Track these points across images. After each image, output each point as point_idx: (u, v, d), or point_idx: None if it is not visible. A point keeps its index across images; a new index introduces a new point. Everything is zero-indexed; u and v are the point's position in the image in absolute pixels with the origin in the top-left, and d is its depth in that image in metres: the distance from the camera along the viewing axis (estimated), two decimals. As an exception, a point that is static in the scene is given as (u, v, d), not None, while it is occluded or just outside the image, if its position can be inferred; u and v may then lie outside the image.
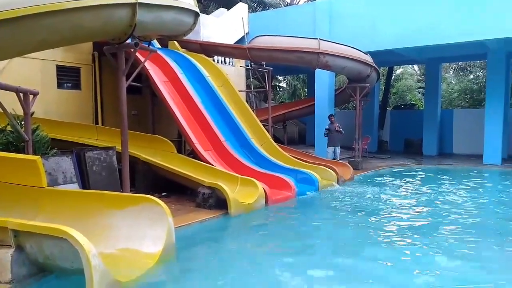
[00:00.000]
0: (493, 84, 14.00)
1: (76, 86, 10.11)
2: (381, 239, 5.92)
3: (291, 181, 8.50)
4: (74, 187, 6.58)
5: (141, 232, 4.91)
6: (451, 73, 28.87)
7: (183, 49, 11.45)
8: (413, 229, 6.42)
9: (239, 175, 7.92)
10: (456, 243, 5.67)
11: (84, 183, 6.82)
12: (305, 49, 11.10)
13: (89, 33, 5.81)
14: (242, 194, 7.43)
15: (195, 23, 7.26)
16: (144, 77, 9.59)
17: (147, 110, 10.70)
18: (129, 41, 6.28)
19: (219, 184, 7.09)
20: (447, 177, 11.66)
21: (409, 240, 5.87)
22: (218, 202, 7.14)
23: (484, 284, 4.37)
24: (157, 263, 4.51)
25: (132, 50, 6.33)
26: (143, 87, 10.26)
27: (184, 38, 8.74)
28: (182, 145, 10.95)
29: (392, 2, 13.41)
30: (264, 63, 12.50)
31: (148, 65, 9.05)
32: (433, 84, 17.86)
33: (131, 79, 6.62)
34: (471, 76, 26.79)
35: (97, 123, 9.98)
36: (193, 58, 10.67)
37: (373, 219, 7.02)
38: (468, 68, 26.37)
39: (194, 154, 8.67)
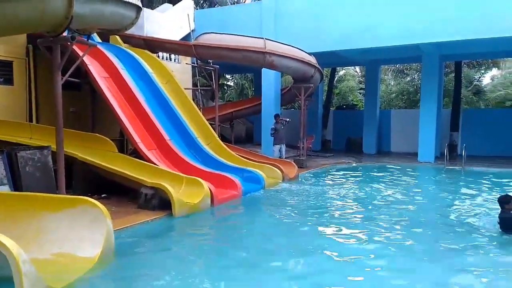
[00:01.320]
0: (427, 86, 14.90)
1: (8, 81, 9.39)
2: (324, 235, 6.07)
3: (237, 180, 8.49)
4: (5, 189, 6.16)
5: (77, 235, 4.69)
6: (390, 75, 30.39)
7: (125, 44, 11.05)
8: (354, 223, 6.66)
9: (184, 175, 7.78)
10: (392, 234, 6.01)
11: (16, 185, 6.36)
12: (251, 48, 11.15)
13: (23, 24, 5.44)
14: (187, 194, 7.30)
15: (137, 17, 7.03)
16: (83, 73, 9.12)
17: (87, 107, 10.20)
18: (66, 34, 5.95)
19: (162, 184, 6.92)
20: (385, 174, 12.26)
21: (349, 233, 6.09)
22: (162, 203, 6.96)
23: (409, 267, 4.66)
24: (95, 268, 4.32)
25: (69, 43, 5.99)
26: (82, 83, 9.76)
27: (126, 32, 8.45)
28: (125, 145, 10.56)
29: (335, 4, 13.82)
30: (210, 61, 12.41)
31: (88, 60, 8.62)
32: (373, 86, 18.71)
33: (68, 74, 6.28)
34: (408, 78, 28.37)
35: (31, 120, 9.35)
36: (136, 54, 10.32)
37: (316, 215, 7.17)
38: (405, 71, 27.88)
39: (137, 153, 8.39)
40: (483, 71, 27.30)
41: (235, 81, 30.73)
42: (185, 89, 11.25)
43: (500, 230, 5.93)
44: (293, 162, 11.75)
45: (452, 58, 18.37)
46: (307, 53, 12.41)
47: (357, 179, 11.52)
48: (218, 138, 10.54)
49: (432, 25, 12.28)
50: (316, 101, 19.29)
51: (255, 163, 10.45)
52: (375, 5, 13.11)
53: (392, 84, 31.14)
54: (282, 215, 7.35)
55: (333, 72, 24.08)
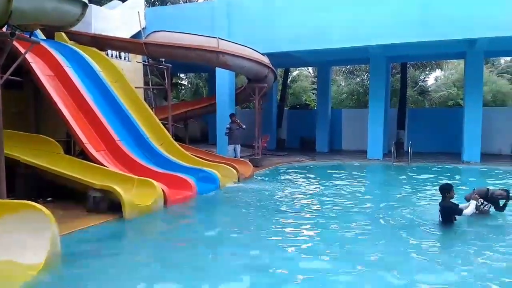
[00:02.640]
0: (375, 86, 15.51)
1: None
2: (279, 232, 6.12)
3: (192, 180, 8.39)
4: None
5: (20, 242, 4.46)
6: (341, 76, 31.29)
7: (71, 42, 10.58)
8: (307, 219, 6.80)
9: (135, 176, 7.57)
10: (343, 227, 6.25)
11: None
12: (204, 47, 11.06)
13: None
14: (139, 196, 7.11)
15: (83, 13, 6.73)
16: (26, 71, 8.62)
17: (30, 107, 9.66)
18: (5, 30, 5.60)
19: (111, 186, 6.69)
20: (336, 171, 12.63)
21: (303, 228, 6.21)
22: (112, 205, 6.74)
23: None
24: (40, 275, 4.11)
25: (8, 39, 5.64)
26: (24, 82, 9.22)
27: (72, 29, 8.10)
28: (72, 146, 10.10)
29: (287, 6, 14.04)
30: (162, 59, 12.17)
31: (30, 57, 8.17)
32: (324, 86, 19.20)
33: (8, 72, 5.92)
34: (358, 79, 29.33)
35: (-33, 121, 8.71)
36: (83, 52, 9.92)
37: (271, 213, 7.25)
38: (355, 72, 28.81)
39: (84, 155, 8.06)
40: (427, 72, 28.78)
41: (189, 80, 30.38)
42: (136, 88, 10.96)
43: (440, 219, 6.28)
44: (248, 162, 11.81)
45: (398, 59, 19.26)
46: (261, 53, 12.51)
47: (310, 176, 11.78)
48: (171, 138, 10.37)
49: (379, 28, 12.80)
50: (271, 101, 19.50)
51: (210, 163, 10.38)
52: (326, 7, 13.46)
53: (343, 84, 32.08)
54: (236, 214, 7.36)
55: (287, 73, 24.45)
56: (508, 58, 30.81)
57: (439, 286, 4.24)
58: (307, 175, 12.03)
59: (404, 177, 11.70)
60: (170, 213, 7.27)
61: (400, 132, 18.68)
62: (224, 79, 14.48)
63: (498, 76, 28.69)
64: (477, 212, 6.58)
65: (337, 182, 10.65)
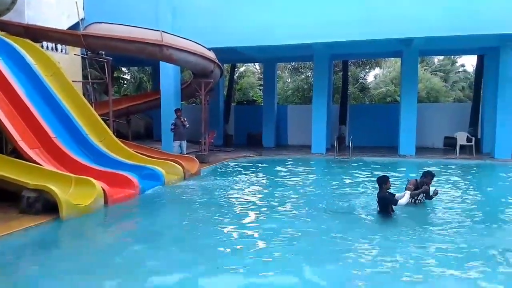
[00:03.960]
0: (319, 83, 15.92)
1: None
2: (223, 229, 6.11)
3: (134, 178, 8.13)
4: None
5: None
6: (286, 72, 31.85)
7: (2, 32, 9.81)
8: (254, 215, 6.85)
9: (73, 175, 7.20)
10: (292, 220, 6.39)
11: None
12: (147, 41, 10.74)
13: None
14: (78, 195, 6.78)
15: (13, 2, 6.30)
16: None
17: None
18: None
19: (46, 186, 6.33)
20: (282, 166, 12.86)
21: (249, 225, 6.26)
22: (48, 206, 6.37)
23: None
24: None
25: None
26: None
27: (2, 19, 7.52)
28: (3, 143, 9.41)
29: (233, 1, 13.98)
30: (103, 52, 11.65)
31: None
32: (270, 82, 19.44)
33: None
34: (303, 76, 30.00)
35: None
36: (15, 43, 9.24)
37: (217, 210, 7.21)
38: (300, 69, 29.45)
39: (17, 153, 7.54)
40: (367, 70, 30.09)
41: (132, 74, 29.42)
42: (74, 82, 10.40)
43: (378, 209, 6.62)
44: (194, 158, 11.66)
45: (340, 57, 19.94)
46: (206, 48, 12.38)
47: (257, 171, 11.87)
48: (112, 135, 9.98)
49: (322, 26, 13.12)
50: (218, 96, 19.40)
51: (154, 159, 10.13)
52: (272, 4, 13.58)
53: (289, 81, 32.67)
54: (179, 213, 7.27)
55: (233, 68, 24.45)
56: (441, 57, 33.05)
57: (375, 271, 4.46)
58: (254, 170, 12.13)
59: (345, 170, 12.16)
60: (111, 213, 6.99)
61: (342, 127, 19.37)
62: (168, 74, 14.16)
63: (431, 74, 30.64)
64: (413, 202, 7.01)
65: (282, 177, 10.87)
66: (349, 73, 23.20)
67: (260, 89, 30.68)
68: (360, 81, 29.32)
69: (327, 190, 9.24)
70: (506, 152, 13.82)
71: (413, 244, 5.34)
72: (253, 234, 5.86)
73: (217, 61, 12.80)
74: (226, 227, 6.21)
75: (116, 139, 9.93)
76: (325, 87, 15.89)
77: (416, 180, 7.23)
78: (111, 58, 11.48)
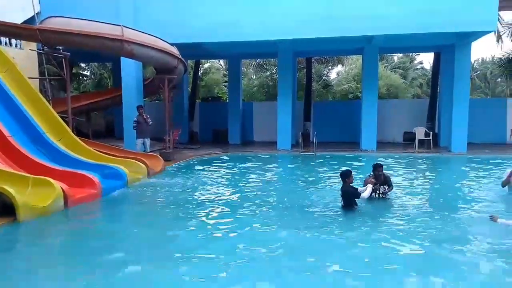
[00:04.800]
0: (283, 80, 16.02)
1: None
2: (187, 229, 5.98)
3: (95, 178, 7.87)
4: None
5: None
6: (251, 69, 31.89)
7: None
8: (219, 213, 6.81)
9: (30, 175, 6.88)
10: (258, 218, 6.39)
11: None
12: (107, 35, 10.41)
13: None
14: (36, 196, 6.48)
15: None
16: None
17: None
18: None
19: (2, 187, 6.01)
20: (248, 162, 12.87)
21: (213, 223, 6.21)
22: (4, 208, 6.06)
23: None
24: None
25: None
26: None
27: None
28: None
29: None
30: (60, 47, 11.18)
31: None
32: (235, 79, 19.40)
33: None
34: (268, 73, 30.15)
35: None
36: (-38, 36, 8.73)
37: (181, 208, 7.12)
38: (265, 66, 29.57)
39: (-33, 153, 7.12)
40: (330, 67, 30.62)
41: (92, 70, 28.49)
42: (30, 78, 9.93)
43: (342, 203, 6.76)
44: (159, 156, 11.46)
45: (304, 54, 20.18)
46: (169, 43, 12.16)
47: (223, 168, 11.82)
48: (71, 133, 9.62)
49: (286, 24, 13.25)
50: (182, 93, 19.13)
51: (117, 158, 9.87)
52: (237, 0, 13.52)
53: (254, 78, 32.73)
54: (142, 212, 7.11)
55: (198, 65, 24.19)
56: (400, 55, 34.16)
57: (342, 265, 4.56)
58: (220, 167, 12.06)
59: (310, 165, 12.33)
60: (71, 214, 6.74)
61: (307, 123, 19.64)
62: (130, 69, 13.80)
63: (391, 71, 31.60)
64: (376, 195, 7.21)
65: (248, 173, 10.89)
66: (312, 70, 23.53)
67: (225, 86, 30.56)
68: (323, 78, 29.81)
69: (292, 186, 9.33)
70: (462, 145, 14.48)
71: (375, 235, 5.50)
72: (217, 233, 5.75)
73: (180, 57, 12.62)
74: (188, 227, 6.07)
75: (76, 138, 9.59)
76: (289, 84, 16.02)
77: (370, 175, 7.42)
78: (69, 54, 11.04)
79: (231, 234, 5.72)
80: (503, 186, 7.83)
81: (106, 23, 10.63)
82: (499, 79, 33.49)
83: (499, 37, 19.07)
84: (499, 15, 16.22)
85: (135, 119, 12.14)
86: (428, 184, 9.55)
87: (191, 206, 7.28)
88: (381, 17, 12.68)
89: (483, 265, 4.53)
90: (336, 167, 11.37)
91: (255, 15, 13.44)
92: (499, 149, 15.17)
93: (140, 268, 4.55)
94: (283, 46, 15.24)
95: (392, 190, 7.60)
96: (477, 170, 11.31)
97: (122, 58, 13.34)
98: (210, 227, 6.06)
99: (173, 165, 11.93)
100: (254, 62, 29.69)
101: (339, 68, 32.81)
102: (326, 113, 19.88)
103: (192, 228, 6.01)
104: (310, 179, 10.08)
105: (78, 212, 6.88)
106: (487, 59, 35.89)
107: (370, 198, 6.96)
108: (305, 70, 23.02)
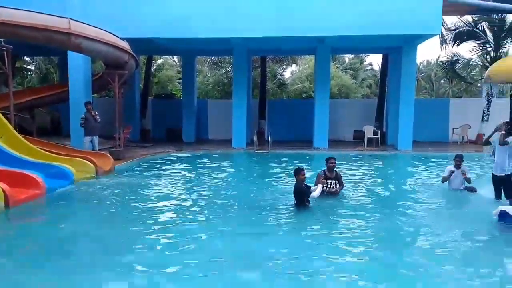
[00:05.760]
0: (238, 78, 16.02)
1: None
2: (135, 231, 5.82)
3: (39, 177, 7.47)
4: None
5: None
6: (206, 66, 31.58)
7: None
8: (171, 212, 6.70)
9: (-35, 175, 6.43)
10: (208, 218, 6.37)
11: None
12: (53, 28, 9.88)
13: None
14: (-29, 197, 6.07)
15: None
16: None
17: None
18: None
19: None
20: (203, 161, 12.77)
21: (159, 224, 6.11)
22: None
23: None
24: None
25: None
26: None
27: None
28: None
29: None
30: (2, 40, 10.48)
31: None
32: (190, 76, 19.14)
33: None
34: (223, 71, 29.99)
35: None
36: None
37: (130, 209, 6.92)
38: (220, 63, 29.38)
39: None
40: (284, 67, 31.00)
41: (37, 64, 27.02)
42: (-35, 71, 9.26)
43: (295, 202, 6.87)
44: (108, 154, 11.07)
45: (259, 53, 20.28)
46: (120, 38, 11.77)
47: (176, 167, 11.64)
48: (13, 130, 9.07)
49: (240, 22, 13.26)
50: (133, 89, 18.61)
51: (63, 157, 9.44)
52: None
53: (209, 75, 32.44)
54: (88, 212, 6.87)
55: (150, 60, 23.62)
56: (351, 56, 35.26)
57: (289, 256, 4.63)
58: (173, 166, 11.87)
59: (263, 164, 12.46)
60: (12, 215, 6.38)
61: (262, 122, 19.77)
62: (78, 64, 13.22)
63: (342, 72, 32.50)
64: (327, 188, 7.40)
65: (201, 172, 10.78)
66: (267, 69, 23.70)
67: (179, 83, 30.05)
68: (278, 77, 30.12)
69: (244, 185, 9.35)
70: (407, 143, 15.21)
71: (327, 232, 5.65)
72: (164, 235, 5.61)
73: (131, 51, 12.26)
74: (136, 228, 5.90)
75: (18, 135, 9.07)
76: (244, 82, 16.05)
77: (324, 170, 7.61)
78: (11, 47, 10.36)
79: (177, 234, 5.61)
80: (443, 182, 8.31)
81: (52, 15, 10.09)
82: (442, 81, 35.45)
83: (443, 41, 20.16)
84: (443, 19, 17.13)
85: (83, 116, 11.65)
86: (376, 181, 9.92)
87: (141, 207, 7.05)
88: (331, 18, 13.04)
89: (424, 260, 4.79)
90: (289, 165, 11.56)
91: (208, 12, 13.33)
92: (442, 147, 16.08)
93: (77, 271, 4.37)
94: (238, 44, 15.24)
95: (344, 187, 7.85)
96: (421, 166, 11.93)
97: (69, 52, 12.79)
98: (157, 227, 5.92)
99: (124, 164, 11.56)
100: (209, 59, 29.44)
101: (293, 67, 33.31)
102: (281, 112, 20.12)
103: (138, 229, 5.85)
104: (263, 177, 10.16)
105: (19, 213, 6.52)
106: (432, 62, 37.85)
107: (322, 194, 7.13)
108: (260, 69, 23.14)
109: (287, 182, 8.94)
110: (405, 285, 4.15)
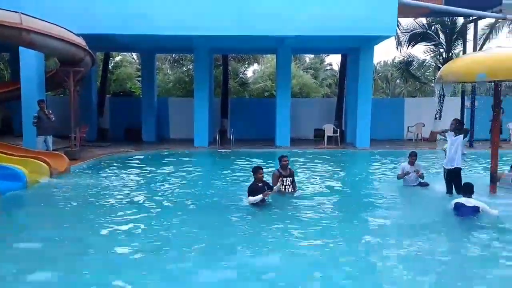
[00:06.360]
0: (200, 76, 15.87)
1: None
2: (96, 234, 5.64)
3: (-13, 179, 7.10)
4: None
5: None
6: (167, 64, 31.05)
7: None
8: (128, 214, 6.52)
9: None
10: (166, 219, 6.24)
11: None
12: (3, 23, 9.34)
13: None
14: None
15: None
16: None
17: None
18: None
19: None
20: (163, 161, 12.57)
21: (131, 217, 5.96)
22: None
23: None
24: None
25: None
26: None
27: None
28: None
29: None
30: None
31: None
32: (149, 74, 18.75)
33: None
34: (184, 68, 29.60)
35: None
36: None
37: (87, 211, 6.68)
38: (181, 61, 28.99)
39: None
40: (246, 66, 31.05)
41: (-14, 61, 25.53)
42: None
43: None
44: (63, 154, 10.65)
45: (220, 51, 20.20)
46: (75, 34, 11.35)
47: (135, 168, 11.36)
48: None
49: (201, 20, 13.14)
50: (90, 87, 18.01)
51: (14, 157, 9.01)
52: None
53: (170, 73, 31.92)
54: (41, 216, 6.55)
55: (108, 57, 22.89)
56: (312, 56, 35.84)
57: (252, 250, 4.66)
58: (131, 166, 11.56)
59: (226, 163, 12.42)
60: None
61: (224, 120, 19.72)
62: (30, 61, 12.62)
63: (303, 72, 32.98)
64: (283, 188, 7.49)
65: (162, 171, 10.61)
66: (229, 68, 23.64)
67: (138, 81, 29.35)
68: (240, 76, 30.12)
69: (204, 184, 9.29)
70: (365, 141, 15.68)
71: (279, 229, 5.73)
72: (119, 236, 5.50)
73: (87, 48, 11.85)
74: (90, 232, 5.71)
75: (-37, 135, 8.53)
76: (206, 81, 15.94)
77: (278, 169, 7.68)
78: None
79: (134, 238, 5.46)
80: (398, 179, 8.64)
81: (2, 9, 9.57)
82: (398, 81, 36.75)
83: (398, 42, 20.92)
84: (398, 21, 17.79)
85: (36, 114, 11.13)
86: (334, 178, 10.16)
87: (97, 210, 6.78)
88: (291, 19, 13.21)
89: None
90: (251, 164, 11.60)
91: (168, 9, 13.12)
92: (397, 145, 16.70)
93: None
94: (199, 42, 15.09)
95: (298, 185, 7.97)
96: (378, 163, 12.35)
97: (21, 48, 12.20)
98: (116, 228, 5.77)
99: (80, 165, 11.17)
100: (169, 57, 28.96)
101: (255, 66, 33.41)
102: (243, 110, 20.14)
103: (92, 233, 5.66)
104: (224, 175, 10.13)
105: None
106: (388, 62, 39.14)
107: (279, 193, 7.28)
108: (222, 67, 23.04)
109: (245, 180, 8.94)
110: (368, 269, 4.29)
